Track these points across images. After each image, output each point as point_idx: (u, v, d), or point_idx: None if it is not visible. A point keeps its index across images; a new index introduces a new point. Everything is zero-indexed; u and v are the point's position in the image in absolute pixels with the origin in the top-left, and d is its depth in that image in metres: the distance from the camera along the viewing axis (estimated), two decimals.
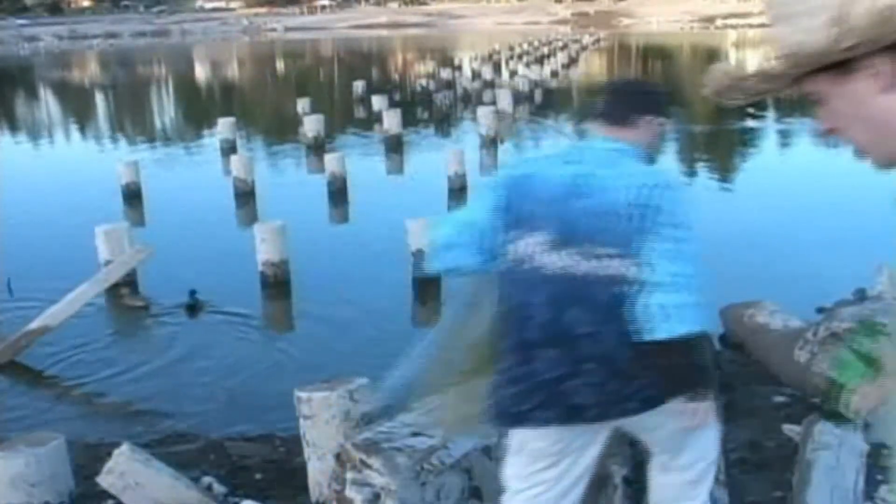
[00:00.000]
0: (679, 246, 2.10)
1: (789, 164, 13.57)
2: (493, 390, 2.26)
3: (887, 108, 1.01)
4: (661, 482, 2.55)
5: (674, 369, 2.13)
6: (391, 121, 15.24)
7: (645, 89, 2.36)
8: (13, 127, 21.40)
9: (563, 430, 2.25)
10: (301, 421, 3.40)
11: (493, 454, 3.34)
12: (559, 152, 2.34)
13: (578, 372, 2.14)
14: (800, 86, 1.07)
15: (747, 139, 15.77)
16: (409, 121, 16.93)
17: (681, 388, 2.16)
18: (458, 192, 10.91)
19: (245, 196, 11.11)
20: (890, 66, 0.99)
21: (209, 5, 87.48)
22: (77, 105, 27.02)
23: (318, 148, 14.28)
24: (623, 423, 2.30)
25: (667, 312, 2.05)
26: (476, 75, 27.53)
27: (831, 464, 3.12)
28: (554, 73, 28.70)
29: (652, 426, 2.31)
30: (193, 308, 7.04)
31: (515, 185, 2.25)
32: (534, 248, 2.18)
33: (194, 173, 14.15)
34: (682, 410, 2.19)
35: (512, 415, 2.24)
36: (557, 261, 2.15)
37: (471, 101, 21.39)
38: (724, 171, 12.84)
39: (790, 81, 1.07)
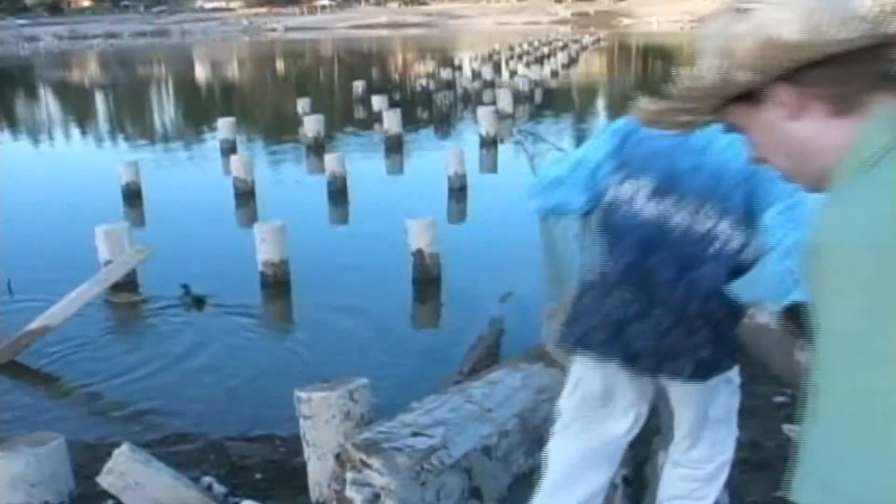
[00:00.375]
0: (795, 212, 2.12)
1: None
2: (568, 319, 2.40)
3: (795, 134, 1.06)
4: (673, 476, 2.57)
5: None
6: (391, 121, 15.25)
7: None
8: (13, 127, 21.41)
9: (616, 377, 2.34)
10: (301, 421, 3.40)
11: (492, 454, 3.34)
12: None
13: (647, 316, 2.23)
14: (721, 117, 1.13)
15: None
16: (409, 121, 16.94)
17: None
18: (458, 191, 10.93)
19: (245, 196, 11.11)
20: (790, 95, 1.04)
21: (209, 5, 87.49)
22: (77, 105, 27.03)
23: (318, 148, 14.29)
24: (670, 387, 2.38)
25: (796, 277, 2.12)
26: (476, 75, 27.54)
27: None
28: (554, 73, 28.72)
29: (693, 402, 2.40)
30: (200, 301, 7.06)
31: (630, 133, 2.30)
32: (634, 193, 2.26)
33: (194, 173, 14.17)
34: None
35: (579, 344, 2.37)
36: (654, 207, 2.23)
37: (471, 101, 21.40)
38: None
39: (708, 113, 1.12)
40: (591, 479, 2.47)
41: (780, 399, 4.24)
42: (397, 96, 22.34)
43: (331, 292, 7.32)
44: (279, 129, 18.79)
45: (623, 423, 2.42)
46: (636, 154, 2.27)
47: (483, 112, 15.38)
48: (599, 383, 2.39)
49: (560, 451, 2.52)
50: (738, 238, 2.15)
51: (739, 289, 2.11)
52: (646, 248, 2.23)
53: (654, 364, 2.27)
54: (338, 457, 3.16)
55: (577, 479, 2.47)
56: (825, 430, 1.02)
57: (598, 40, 47.58)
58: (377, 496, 2.94)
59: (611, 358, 2.30)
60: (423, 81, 27.11)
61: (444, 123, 18.41)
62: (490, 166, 13.56)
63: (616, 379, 2.35)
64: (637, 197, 2.25)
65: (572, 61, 34.54)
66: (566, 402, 2.53)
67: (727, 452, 2.55)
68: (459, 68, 31.14)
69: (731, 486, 3.25)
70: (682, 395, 2.42)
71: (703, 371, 2.27)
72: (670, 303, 2.21)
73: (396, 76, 32.91)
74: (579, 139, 16.20)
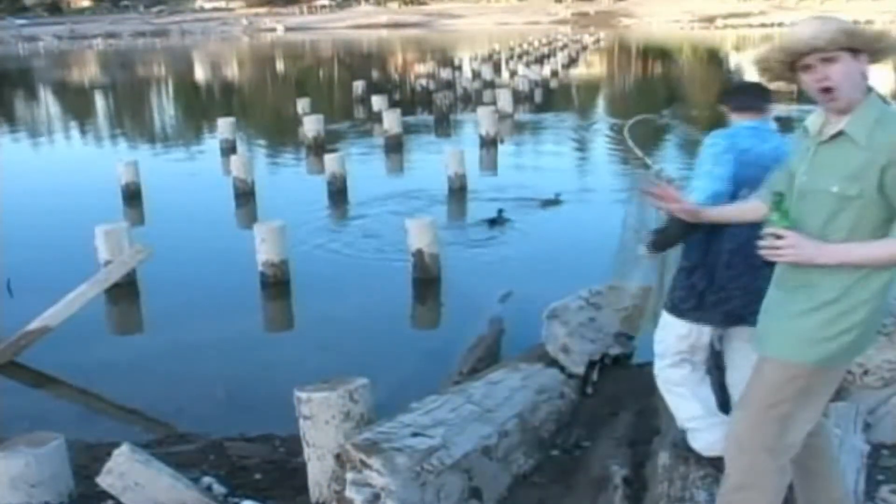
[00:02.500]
0: None
1: None
2: (726, 297, 3.07)
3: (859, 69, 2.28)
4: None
5: None
6: (391, 121, 15.25)
7: (761, 86, 3.15)
8: (13, 127, 21.39)
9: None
10: (301, 421, 3.40)
11: (492, 454, 3.34)
12: (746, 130, 3.11)
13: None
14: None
15: None
16: (408, 121, 16.95)
17: None
18: (458, 191, 10.93)
19: (245, 196, 11.11)
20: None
21: (209, 5, 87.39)
22: (77, 105, 27.02)
23: (318, 148, 14.29)
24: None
25: None
26: (476, 75, 27.52)
27: None
28: (554, 73, 28.70)
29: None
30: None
31: (739, 155, 3.02)
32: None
33: (194, 173, 14.15)
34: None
35: (735, 315, 3.06)
36: None
37: (471, 101, 21.39)
38: None
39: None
40: None
41: None
42: (397, 96, 22.33)
43: (331, 292, 7.32)
44: (279, 129, 18.80)
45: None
46: (749, 174, 2.91)
47: (483, 112, 15.38)
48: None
49: None
50: None
51: None
52: None
53: None
54: (338, 457, 3.16)
55: None
56: None
57: (598, 40, 47.55)
58: (377, 496, 2.94)
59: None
60: (423, 81, 27.10)
61: (444, 123, 18.39)
62: (490, 166, 13.56)
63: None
64: None
65: (572, 61, 34.53)
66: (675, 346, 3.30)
67: None
68: (459, 68, 31.13)
69: None
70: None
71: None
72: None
73: (396, 76, 32.89)
74: (579, 138, 16.21)
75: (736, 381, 3.29)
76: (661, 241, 3.21)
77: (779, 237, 2.31)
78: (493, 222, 9.39)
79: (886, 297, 2.34)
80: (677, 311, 3.19)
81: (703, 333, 3.19)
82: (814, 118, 2.39)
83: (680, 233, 3.11)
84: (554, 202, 10.12)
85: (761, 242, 2.36)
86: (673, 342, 3.25)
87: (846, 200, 2.26)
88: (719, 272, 3.10)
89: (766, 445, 2.38)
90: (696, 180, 3.08)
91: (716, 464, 3.34)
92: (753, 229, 2.80)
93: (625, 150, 13.28)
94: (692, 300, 3.16)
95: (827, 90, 2.25)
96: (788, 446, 2.41)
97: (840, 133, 2.28)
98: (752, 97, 3.19)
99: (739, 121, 3.18)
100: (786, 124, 3.15)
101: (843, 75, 2.24)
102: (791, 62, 2.30)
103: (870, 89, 2.30)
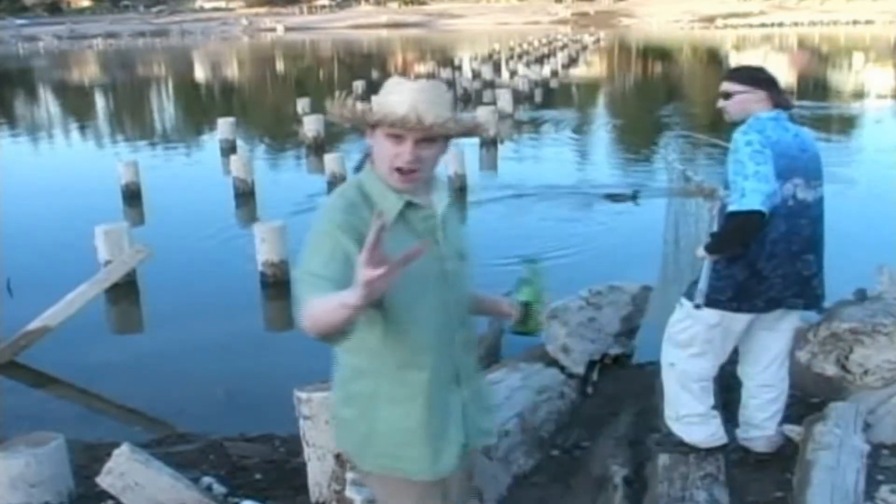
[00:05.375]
0: None
1: None
2: (768, 286, 3.20)
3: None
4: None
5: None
6: None
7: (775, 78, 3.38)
8: (13, 127, 21.38)
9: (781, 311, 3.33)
10: (301, 421, 3.40)
11: (492, 454, 3.34)
12: (770, 122, 3.17)
13: (820, 270, 3.30)
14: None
15: None
16: None
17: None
18: (458, 191, 10.92)
19: (245, 196, 11.11)
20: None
21: (209, 5, 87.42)
22: (76, 105, 27.01)
23: (318, 148, 14.29)
24: (790, 316, 3.42)
25: None
26: (476, 75, 27.51)
27: (831, 464, 3.12)
28: (554, 73, 28.70)
29: (793, 329, 3.50)
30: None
31: (772, 148, 3.11)
32: (794, 188, 3.15)
33: (194, 173, 14.15)
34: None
35: (776, 300, 3.24)
36: (810, 195, 3.20)
37: (471, 101, 21.39)
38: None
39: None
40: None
41: None
42: None
43: None
44: (279, 129, 18.78)
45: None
46: (783, 163, 3.09)
47: (483, 112, 15.37)
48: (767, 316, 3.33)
49: None
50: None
51: None
52: (813, 224, 3.24)
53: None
54: (338, 457, 3.15)
55: None
56: None
57: (598, 40, 47.56)
58: None
59: (798, 307, 3.36)
60: None
61: None
62: (490, 166, 13.56)
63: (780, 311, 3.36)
64: (797, 191, 3.15)
65: (572, 61, 34.53)
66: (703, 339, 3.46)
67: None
68: (459, 68, 31.12)
69: (730, 486, 3.25)
70: (792, 323, 3.43)
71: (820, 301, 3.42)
72: (821, 254, 3.30)
73: (396, 76, 32.80)
74: (580, 138, 16.21)
75: (748, 372, 3.49)
76: (716, 244, 3.23)
77: None
78: (621, 199, 10.20)
79: None
80: (712, 302, 3.22)
81: (735, 321, 3.25)
82: (391, 194, 2.03)
83: (738, 235, 3.14)
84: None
85: None
86: (702, 331, 3.29)
87: (468, 269, 2.18)
88: (761, 262, 3.16)
89: None
90: (745, 182, 3.04)
91: (715, 458, 3.34)
92: (794, 218, 3.15)
93: (627, 151, 13.32)
94: (730, 291, 3.19)
95: (410, 172, 1.97)
96: None
97: (449, 203, 2.11)
98: (779, 89, 3.28)
99: (758, 112, 3.19)
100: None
101: (432, 161, 2.01)
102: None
103: None
